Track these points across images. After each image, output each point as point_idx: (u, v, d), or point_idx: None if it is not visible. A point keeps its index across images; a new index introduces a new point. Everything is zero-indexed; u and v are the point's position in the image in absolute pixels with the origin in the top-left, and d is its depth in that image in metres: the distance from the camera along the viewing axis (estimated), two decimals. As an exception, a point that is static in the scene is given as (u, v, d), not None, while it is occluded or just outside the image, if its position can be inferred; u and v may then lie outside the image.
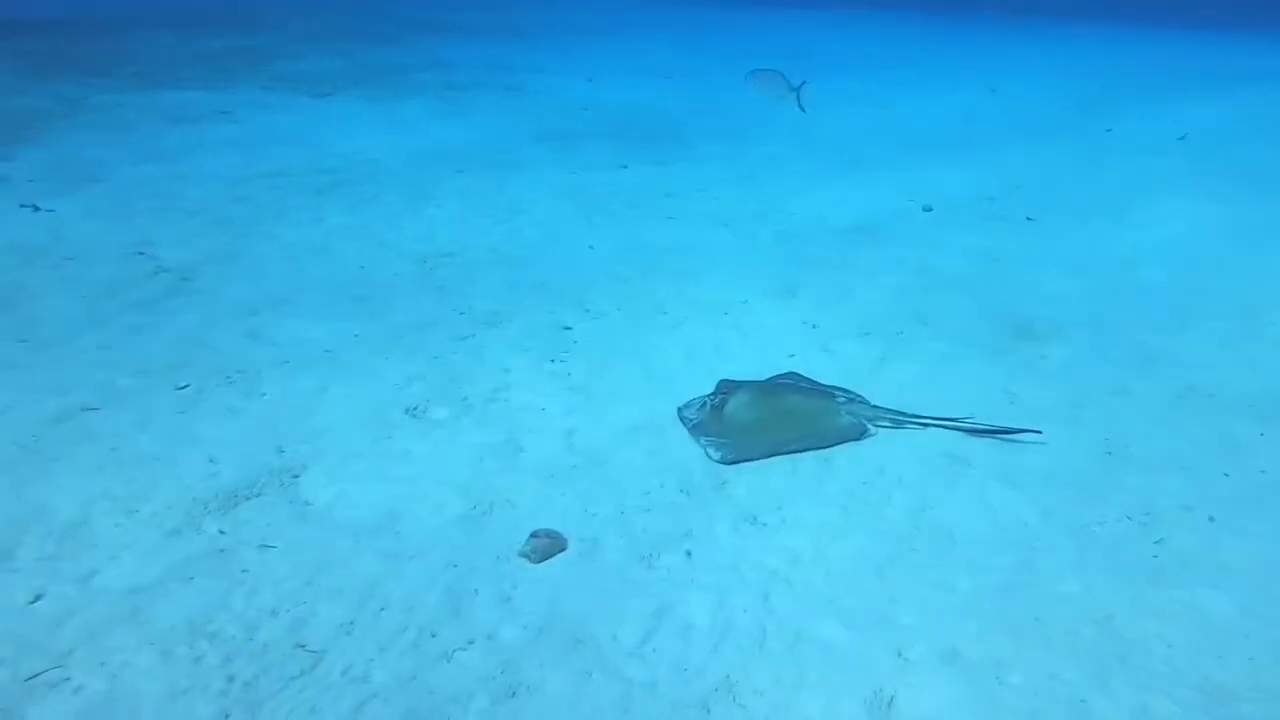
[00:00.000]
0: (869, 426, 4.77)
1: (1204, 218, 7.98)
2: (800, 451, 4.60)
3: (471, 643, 3.42)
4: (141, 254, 6.96)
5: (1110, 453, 4.61)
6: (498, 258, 7.10)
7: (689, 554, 3.92)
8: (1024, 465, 4.50)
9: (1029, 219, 8.02)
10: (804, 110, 8.99)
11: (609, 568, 3.84)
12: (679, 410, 4.92)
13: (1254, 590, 3.69)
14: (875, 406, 4.93)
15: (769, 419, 4.76)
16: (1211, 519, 4.12)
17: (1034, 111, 12.45)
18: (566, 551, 3.94)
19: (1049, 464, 4.51)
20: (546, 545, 3.91)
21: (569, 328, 5.94)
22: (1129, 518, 4.12)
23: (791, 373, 5.31)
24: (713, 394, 4.93)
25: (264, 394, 5.08)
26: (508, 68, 14.93)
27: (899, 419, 4.81)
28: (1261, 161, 9.76)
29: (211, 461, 4.42)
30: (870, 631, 3.49)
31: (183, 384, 5.14)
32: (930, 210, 8.22)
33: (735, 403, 4.84)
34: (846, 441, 4.68)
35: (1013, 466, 4.49)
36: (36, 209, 7.86)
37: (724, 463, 4.54)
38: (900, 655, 3.38)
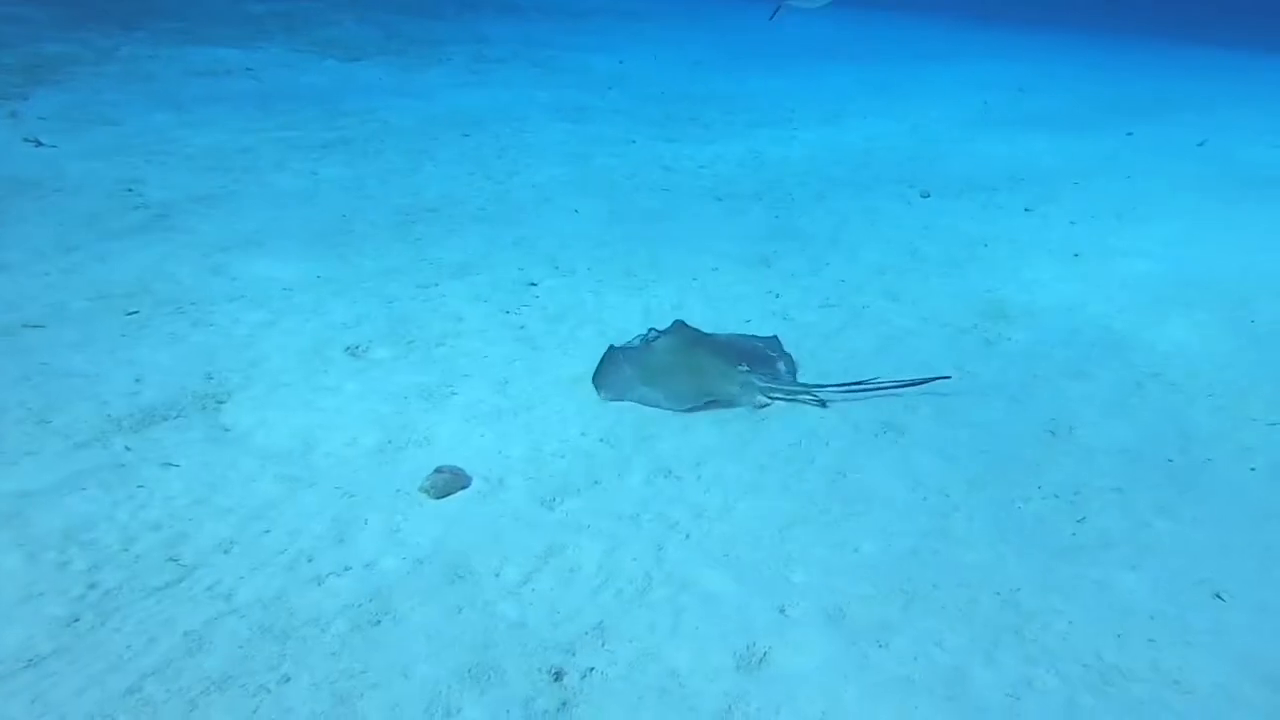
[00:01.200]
0: (760, 398, 4.57)
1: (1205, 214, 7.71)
2: (676, 409, 4.50)
3: (347, 569, 3.36)
4: (129, 190, 7.01)
5: (1054, 433, 4.44)
6: (482, 215, 7.05)
7: (592, 500, 3.81)
8: (959, 439, 4.35)
9: (1026, 209, 7.78)
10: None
11: (507, 507, 3.77)
12: (610, 347, 4.82)
13: (1172, 574, 3.52)
14: (776, 380, 4.68)
15: (673, 368, 4.67)
16: (1139, 502, 3.92)
17: (1062, 110, 12.10)
18: (468, 489, 3.87)
19: (986, 440, 4.36)
20: (447, 481, 3.85)
21: (534, 284, 5.87)
22: (1056, 496, 3.96)
23: (744, 335, 5.19)
24: (645, 334, 4.84)
25: (211, 324, 5.08)
26: (543, 44, 14.89)
27: (794, 391, 4.62)
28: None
29: (137, 381, 4.41)
30: (758, 587, 3.38)
31: (133, 310, 5.15)
32: (928, 196, 8.00)
33: (658, 346, 4.80)
34: (735, 407, 4.55)
35: (948, 440, 4.34)
36: (39, 144, 7.96)
37: (604, 399, 4.58)
38: (783, 612, 3.26)
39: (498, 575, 3.40)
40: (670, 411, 4.46)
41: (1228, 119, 11.82)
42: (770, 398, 4.60)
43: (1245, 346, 5.39)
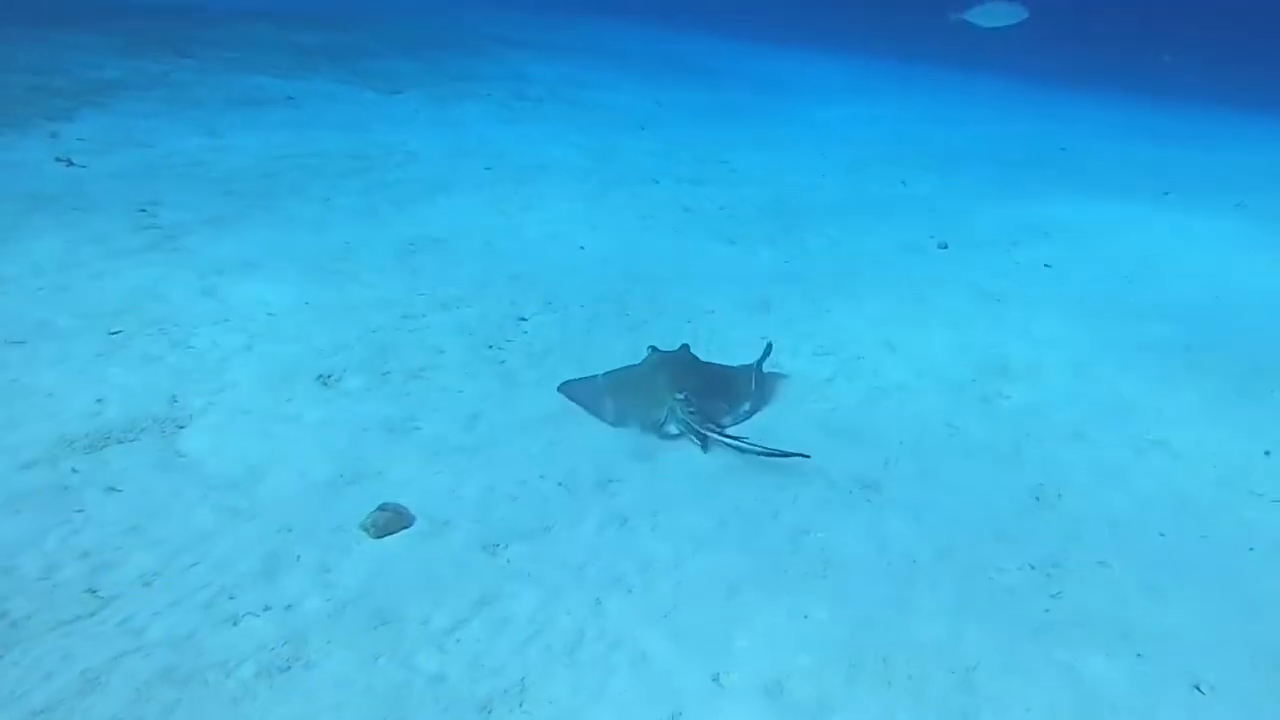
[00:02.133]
0: (670, 428, 4.53)
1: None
2: (602, 421, 4.62)
3: (267, 609, 3.23)
4: (143, 211, 7.04)
5: (1040, 499, 4.19)
6: (487, 249, 6.98)
7: (539, 547, 3.65)
8: (937, 502, 4.12)
9: (1046, 265, 7.51)
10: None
11: (448, 550, 3.62)
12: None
13: (1149, 661, 3.26)
14: (693, 413, 4.48)
15: (625, 386, 4.77)
16: (1124, 579, 3.66)
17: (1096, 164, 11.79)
18: (410, 529, 3.72)
19: (966, 503, 4.12)
20: (389, 519, 3.71)
21: (524, 319, 5.76)
22: (1033, 567, 3.71)
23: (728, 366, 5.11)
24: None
25: (189, 347, 5.03)
26: (583, 84, 14.93)
27: (701, 431, 4.42)
28: None
29: (99, 402, 4.35)
30: (696, 650, 3.18)
31: (116, 329, 5.11)
32: (945, 247, 7.77)
33: (638, 364, 4.97)
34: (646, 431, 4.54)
35: (924, 502, 4.11)
36: (70, 164, 8.06)
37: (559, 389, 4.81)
38: (717, 680, 3.07)
39: (425, 623, 3.25)
40: (625, 445, 4.38)
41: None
42: (679, 431, 4.50)
43: (1258, 417, 5.08)
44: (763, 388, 4.96)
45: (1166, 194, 10.40)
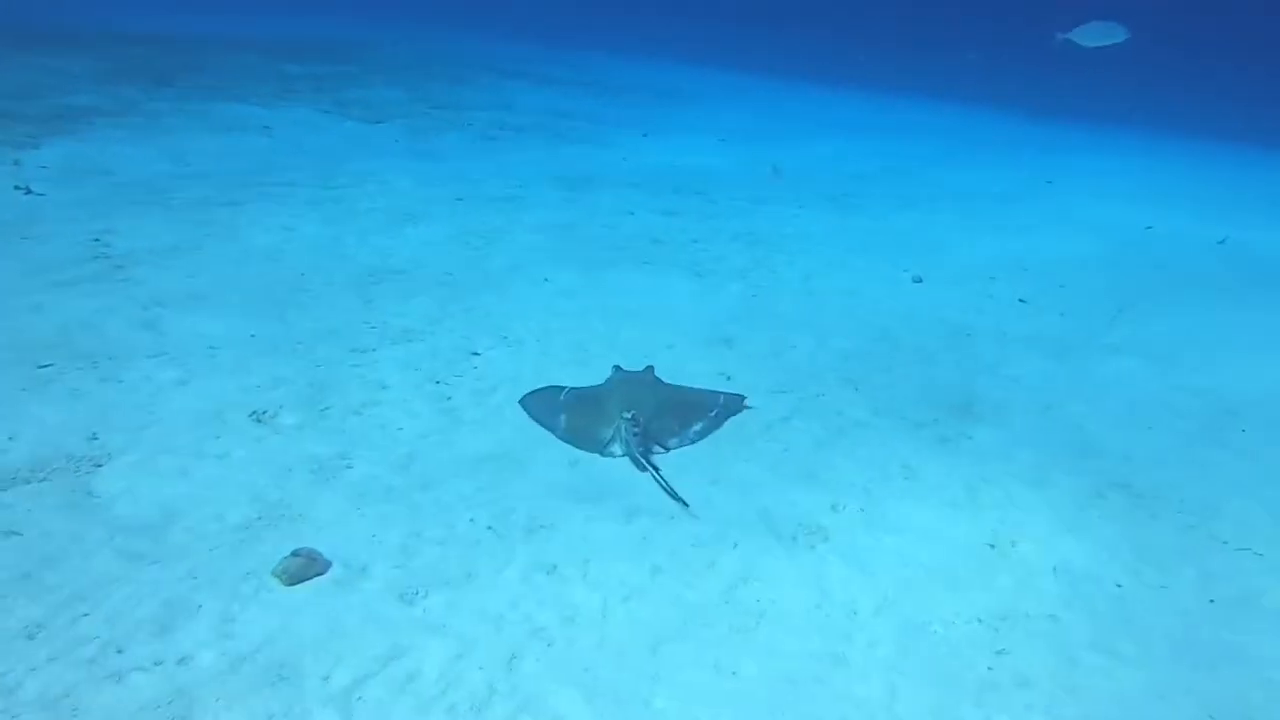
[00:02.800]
0: (614, 448, 4.52)
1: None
2: (552, 434, 4.67)
3: (158, 664, 3.05)
4: (96, 240, 6.90)
5: (994, 545, 3.98)
6: (447, 280, 6.82)
7: (459, 596, 3.46)
8: (885, 548, 3.92)
9: (1021, 300, 7.34)
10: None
11: (361, 599, 3.43)
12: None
13: (1094, 725, 3.03)
14: (635, 433, 4.49)
15: (582, 403, 4.82)
16: (1074, 633, 3.46)
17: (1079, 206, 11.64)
18: (325, 576, 3.53)
19: (915, 550, 3.93)
20: (302, 566, 3.52)
21: (477, 353, 5.59)
22: (979, 621, 3.51)
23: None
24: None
25: (120, 381, 4.86)
26: (569, 115, 14.85)
27: (633, 454, 4.41)
28: None
29: (10, 440, 4.18)
30: (610, 711, 2.99)
31: (46, 363, 4.95)
32: (920, 282, 7.61)
33: (604, 382, 5.04)
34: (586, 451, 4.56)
35: (872, 548, 3.91)
36: (29, 192, 7.94)
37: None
38: (630, 743, 2.84)
39: (326, 679, 3.06)
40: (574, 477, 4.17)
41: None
42: (623, 452, 4.48)
43: (1228, 460, 4.90)
44: (722, 412, 4.92)
45: (1149, 228, 10.25)
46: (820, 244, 8.57)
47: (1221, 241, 9.67)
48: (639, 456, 4.37)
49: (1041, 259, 8.59)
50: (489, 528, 3.91)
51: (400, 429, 4.68)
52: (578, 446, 4.58)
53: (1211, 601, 3.78)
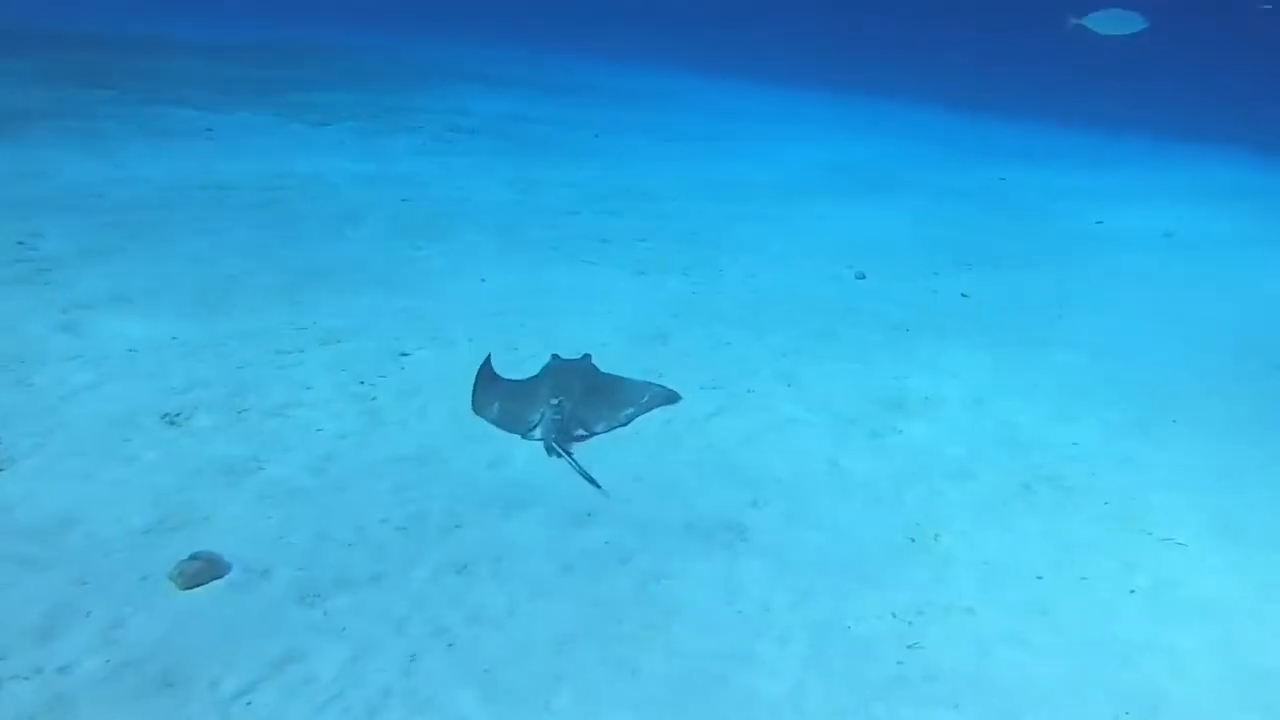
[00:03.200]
0: (535, 433, 4.57)
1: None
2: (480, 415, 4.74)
3: (38, 671, 2.93)
4: (21, 244, 6.74)
5: (914, 540, 3.95)
6: (383, 281, 6.71)
7: (364, 598, 3.36)
8: (804, 544, 3.87)
9: (963, 295, 7.34)
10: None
11: (260, 602, 3.33)
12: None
13: (1000, 718, 2.99)
14: (557, 419, 4.59)
15: (517, 389, 4.90)
16: (989, 626, 3.42)
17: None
18: (224, 579, 3.42)
19: (834, 546, 3.88)
20: (199, 569, 3.42)
21: (406, 354, 5.49)
22: (894, 615, 3.47)
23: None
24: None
25: (31, 385, 4.73)
26: (521, 118, 14.75)
27: (548, 440, 4.49)
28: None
29: (-93, 446, 4.02)
30: (509, 712, 2.91)
31: (-46, 367, 4.78)
32: (863, 278, 7.59)
33: (540, 372, 5.08)
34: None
35: (790, 544, 3.86)
36: (-44, 196, 7.73)
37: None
38: (525, 744, 2.76)
39: (214, 685, 2.95)
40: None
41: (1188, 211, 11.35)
42: (539, 438, 4.53)
43: (1156, 451, 4.89)
44: (654, 401, 4.98)
45: (1099, 222, 10.31)
46: (768, 243, 8.53)
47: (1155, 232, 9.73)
48: (553, 443, 4.42)
49: (985, 251, 8.59)
50: (401, 529, 3.82)
51: (319, 430, 4.58)
52: (507, 430, 4.63)
53: (1131, 592, 3.76)
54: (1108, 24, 10.88)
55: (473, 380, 4.97)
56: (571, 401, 4.71)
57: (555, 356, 5.25)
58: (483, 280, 6.89)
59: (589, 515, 3.99)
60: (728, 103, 19.14)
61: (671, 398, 5.05)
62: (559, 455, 4.36)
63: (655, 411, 4.93)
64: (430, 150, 11.70)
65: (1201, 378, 5.96)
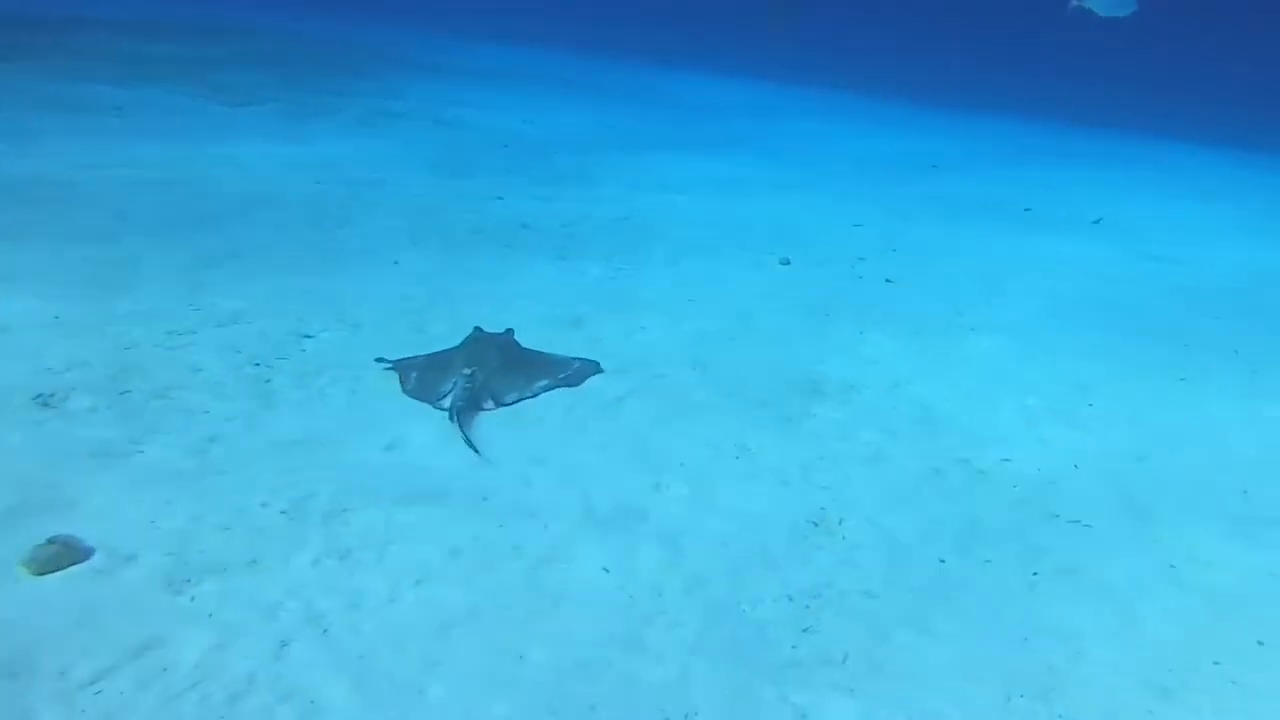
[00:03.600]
0: (444, 403, 4.54)
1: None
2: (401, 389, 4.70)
3: None
4: (-98, 220, 6.35)
5: (818, 524, 3.86)
6: (292, 263, 6.48)
7: (237, 583, 3.18)
8: (704, 528, 3.76)
9: (888, 280, 7.29)
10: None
11: (120, 588, 3.13)
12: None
13: (894, 702, 2.93)
14: (467, 388, 4.60)
15: (436, 360, 4.90)
16: (887, 610, 3.33)
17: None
18: (83, 564, 3.21)
19: (736, 530, 3.77)
20: (56, 554, 3.20)
21: (309, 336, 5.28)
22: (790, 599, 3.36)
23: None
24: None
25: (-108, 364, 4.41)
26: (453, 102, 14.45)
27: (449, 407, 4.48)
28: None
29: None
30: (379, 701, 2.74)
31: None
32: (787, 264, 7.51)
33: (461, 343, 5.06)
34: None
35: (691, 527, 3.74)
36: None
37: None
38: (394, 735, 2.60)
39: (62, 675, 2.76)
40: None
41: (1122, 201, 11.49)
42: (446, 409, 4.50)
43: (1073, 434, 4.88)
44: (574, 376, 5.00)
45: (1028, 210, 10.39)
46: (694, 228, 8.42)
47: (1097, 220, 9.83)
48: (455, 411, 4.41)
49: (915, 239, 8.57)
50: (283, 512, 3.64)
51: (206, 412, 4.37)
52: (420, 400, 4.62)
53: (1034, 575, 3.71)
54: (1107, 6, 11.26)
55: (378, 363, 4.81)
56: (485, 373, 4.71)
57: (478, 329, 5.20)
58: (396, 263, 6.69)
59: (484, 499, 3.84)
60: (674, 88, 19.00)
61: (591, 370, 5.05)
62: (451, 420, 4.35)
63: (560, 396, 4.79)
64: (354, 134, 11.41)
65: (1122, 360, 5.96)
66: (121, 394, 4.44)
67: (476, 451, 4.15)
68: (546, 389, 4.83)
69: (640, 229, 8.25)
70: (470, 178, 9.72)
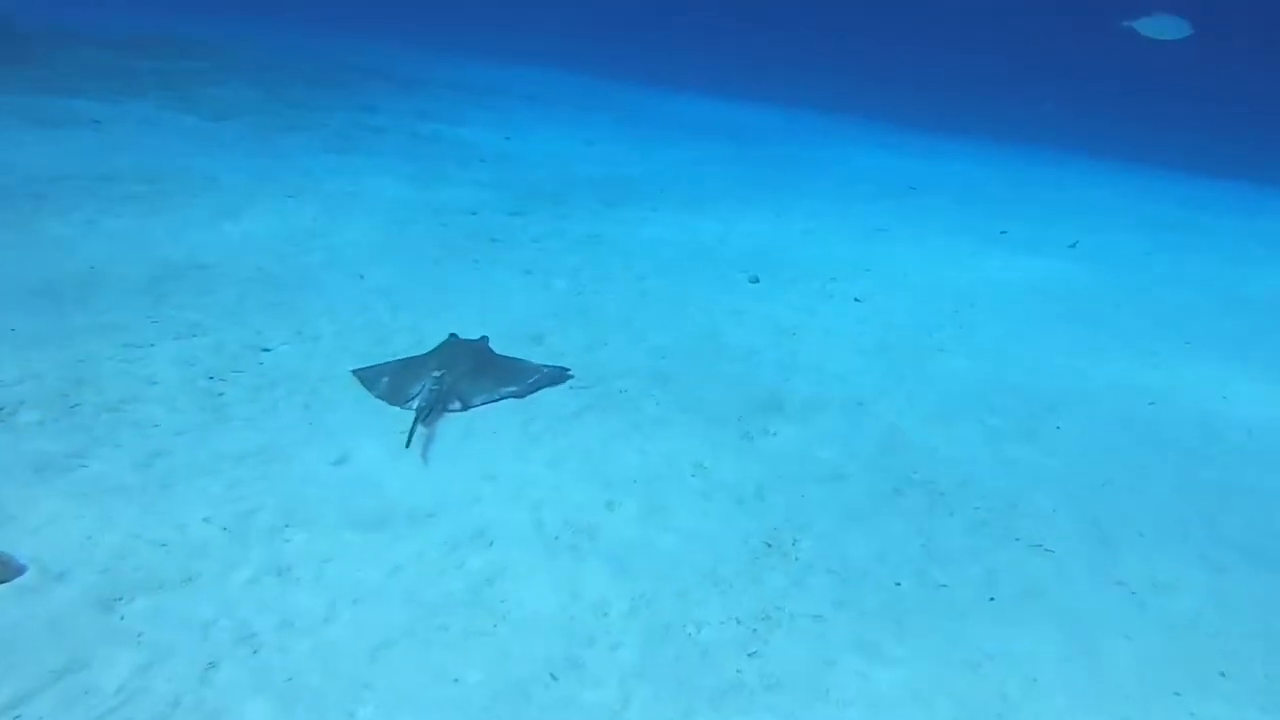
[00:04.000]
0: (414, 403, 4.56)
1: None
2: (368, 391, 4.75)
3: None
4: None
5: (771, 545, 3.80)
6: (257, 276, 6.41)
7: (170, 602, 3.10)
8: (656, 546, 3.71)
9: (856, 299, 7.27)
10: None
11: (50, 607, 3.06)
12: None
13: (839, 727, 2.84)
14: (435, 389, 4.65)
15: (406, 364, 4.96)
16: (838, 633, 3.27)
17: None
18: (13, 582, 3.13)
19: (686, 549, 3.72)
20: (-16, 571, 3.10)
21: (267, 349, 5.21)
22: (739, 621, 3.31)
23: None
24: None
25: None
26: (432, 117, 14.44)
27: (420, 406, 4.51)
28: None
29: None
30: (308, 723, 2.65)
31: None
32: (756, 282, 7.48)
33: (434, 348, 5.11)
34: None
35: (641, 546, 3.69)
36: None
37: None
38: (320, 759, 2.53)
39: (-19, 696, 2.65)
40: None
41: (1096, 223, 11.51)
42: (415, 409, 4.49)
43: (1034, 456, 4.85)
44: (541, 381, 5.04)
45: (1004, 232, 10.39)
46: (666, 246, 8.39)
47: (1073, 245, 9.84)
48: (417, 409, 4.44)
49: (890, 260, 8.55)
50: (225, 528, 3.57)
51: (156, 426, 4.30)
52: (389, 402, 4.67)
53: (991, 600, 3.65)
54: (1156, 29, 11.17)
55: (331, 374, 4.76)
56: (454, 375, 4.78)
57: (453, 335, 5.29)
58: (361, 277, 6.63)
59: (431, 516, 3.78)
60: (653, 106, 19.02)
61: (560, 378, 5.11)
62: (419, 421, 4.35)
63: (517, 409, 4.74)
64: (330, 147, 11.37)
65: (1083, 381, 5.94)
66: (72, 407, 4.37)
67: (407, 445, 4.20)
68: (515, 395, 4.86)
69: (608, 244, 8.23)
70: (443, 191, 9.70)
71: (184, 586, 3.23)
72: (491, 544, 3.59)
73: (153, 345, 5.13)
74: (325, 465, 4.11)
